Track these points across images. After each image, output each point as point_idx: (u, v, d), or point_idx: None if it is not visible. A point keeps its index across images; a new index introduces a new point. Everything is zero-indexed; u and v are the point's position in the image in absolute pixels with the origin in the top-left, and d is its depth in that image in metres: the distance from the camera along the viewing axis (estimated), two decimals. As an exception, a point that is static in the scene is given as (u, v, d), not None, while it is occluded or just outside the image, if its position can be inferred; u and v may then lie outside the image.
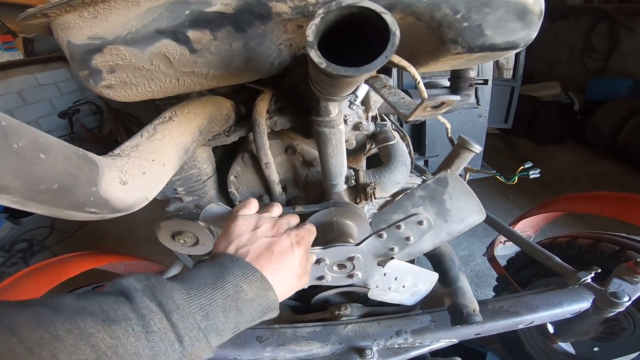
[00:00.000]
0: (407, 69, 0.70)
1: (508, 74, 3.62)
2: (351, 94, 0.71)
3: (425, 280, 1.04)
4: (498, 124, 3.28)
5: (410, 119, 0.61)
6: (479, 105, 2.62)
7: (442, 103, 0.56)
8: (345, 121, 1.01)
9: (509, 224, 1.75)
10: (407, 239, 0.80)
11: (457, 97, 0.59)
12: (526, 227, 1.96)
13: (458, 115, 2.53)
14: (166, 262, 1.70)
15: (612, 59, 4.68)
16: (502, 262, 1.96)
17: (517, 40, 0.70)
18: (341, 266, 0.87)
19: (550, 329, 1.69)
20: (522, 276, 1.80)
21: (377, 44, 0.47)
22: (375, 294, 1.04)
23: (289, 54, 0.79)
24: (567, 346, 1.85)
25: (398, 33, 0.46)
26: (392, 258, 0.89)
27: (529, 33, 0.70)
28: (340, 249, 0.81)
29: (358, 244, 0.81)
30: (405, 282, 1.02)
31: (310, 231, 0.69)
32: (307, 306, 1.49)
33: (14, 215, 4.21)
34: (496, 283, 2.06)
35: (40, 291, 1.24)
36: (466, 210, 0.76)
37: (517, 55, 3.26)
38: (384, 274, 0.96)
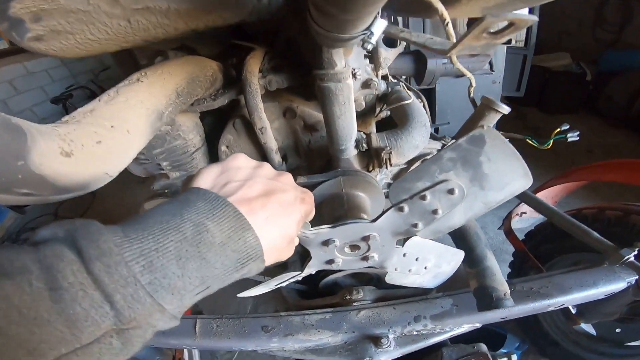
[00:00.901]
0: (434, 4, 0.53)
1: (518, 45, 3.43)
2: (365, 31, 0.53)
3: (450, 260, 0.88)
4: (510, 92, 3.14)
5: (455, 51, 0.44)
6: (492, 71, 2.44)
7: (511, 24, 0.38)
8: (354, 75, 0.84)
9: (528, 195, 1.61)
10: (435, 212, 0.63)
11: (534, 17, 0.40)
12: (546, 198, 1.80)
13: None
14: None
15: (626, 32, 4.50)
16: (519, 236, 1.82)
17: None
18: (354, 247, 0.72)
19: (572, 309, 1.57)
20: (542, 251, 1.68)
21: None
22: (393, 278, 0.88)
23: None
24: (587, 327, 1.76)
25: None
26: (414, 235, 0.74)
27: None
28: (353, 226, 0.65)
29: (374, 221, 0.65)
30: (427, 263, 0.85)
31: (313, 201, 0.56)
32: (315, 290, 1.38)
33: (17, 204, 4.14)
34: (512, 258, 1.94)
35: None
36: (508, 175, 0.59)
37: None
38: (404, 255, 0.79)
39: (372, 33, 0.52)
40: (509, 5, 0.67)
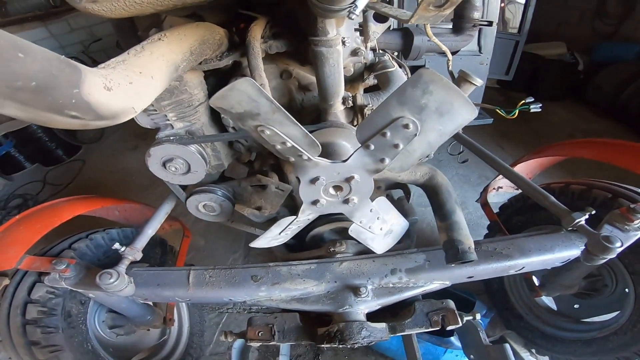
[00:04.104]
0: None
1: (513, 31, 3.55)
2: (351, 4, 0.66)
3: (399, 231, 1.10)
4: (500, 75, 3.27)
5: (412, 21, 0.57)
6: (481, 53, 2.56)
7: (447, 0, 0.52)
8: (344, 42, 0.97)
9: (506, 167, 1.72)
10: (396, 146, 0.73)
11: None
12: (521, 172, 1.94)
13: (459, 61, 2.48)
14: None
15: (625, 25, 4.63)
16: (495, 210, 1.95)
17: None
18: (337, 188, 0.86)
19: (536, 281, 1.71)
20: (513, 223, 1.82)
21: None
22: (356, 229, 1.03)
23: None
24: (549, 302, 1.92)
25: None
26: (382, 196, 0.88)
27: None
28: (333, 166, 0.78)
29: (345, 160, 0.78)
30: (383, 225, 1.02)
31: None
32: (302, 244, 1.51)
33: (5, 171, 4.18)
34: (487, 232, 2.07)
35: (33, 238, 1.22)
36: (453, 106, 0.66)
37: (525, 10, 3.19)
38: (370, 210, 0.94)
39: (356, 6, 0.65)
40: None
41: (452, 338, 1.81)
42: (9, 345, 1.24)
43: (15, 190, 4.01)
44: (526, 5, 3.27)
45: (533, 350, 1.96)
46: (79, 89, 0.55)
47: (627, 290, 1.51)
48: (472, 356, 1.39)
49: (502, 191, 1.99)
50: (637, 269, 1.39)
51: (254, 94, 0.60)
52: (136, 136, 4.58)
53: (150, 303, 1.58)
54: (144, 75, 0.67)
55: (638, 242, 1.21)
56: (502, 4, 4.12)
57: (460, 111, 0.66)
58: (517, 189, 1.91)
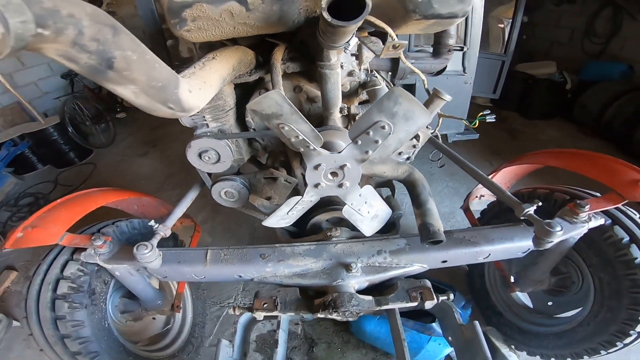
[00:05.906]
0: (385, 28, 1.02)
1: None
2: (346, 42, 1.02)
3: (383, 217, 1.34)
4: (487, 93, 3.59)
5: (382, 55, 0.93)
6: (465, 72, 2.92)
7: (398, 45, 0.88)
8: (342, 66, 1.34)
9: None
10: (376, 141, 1.02)
11: (404, 42, 0.85)
12: (500, 182, 2.13)
13: (445, 81, 2.85)
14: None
15: (612, 44, 4.94)
16: (477, 216, 2.20)
17: (456, 11, 1.05)
18: (334, 174, 1.17)
19: (512, 278, 1.95)
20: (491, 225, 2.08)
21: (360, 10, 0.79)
22: (347, 212, 1.29)
23: (304, 15, 1.15)
24: (526, 299, 2.16)
25: (370, 4, 0.79)
26: (369, 185, 1.17)
27: (464, 7, 1.06)
28: (330, 155, 1.10)
29: (340, 152, 1.09)
30: (370, 209, 1.27)
31: None
32: (303, 230, 1.82)
33: (17, 171, 4.49)
34: None
35: (74, 218, 1.38)
36: (414, 113, 0.97)
37: (511, 32, 3.56)
38: (359, 195, 1.22)
39: (349, 44, 1.02)
40: (433, 27, 1.16)
41: (434, 324, 1.99)
42: (34, 321, 1.35)
43: (27, 189, 4.28)
44: (511, 27, 3.62)
45: (512, 346, 2.10)
46: (178, 89, 0.90)
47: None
48: (450, 337, 1.52)
49: (484, 199, 2.21)
50: (593, 262, 1.59)
51: (280, 101, 0.94)
52: (145, 143, 4.92)
53: (158, 288, 1.75)
54: (207, 84, 1.04)
55: (591, 236, 1.45)
56: (501, 25, 4.49)
57: (420, 117, 1.00)
58: (496, 197, 2.16)
